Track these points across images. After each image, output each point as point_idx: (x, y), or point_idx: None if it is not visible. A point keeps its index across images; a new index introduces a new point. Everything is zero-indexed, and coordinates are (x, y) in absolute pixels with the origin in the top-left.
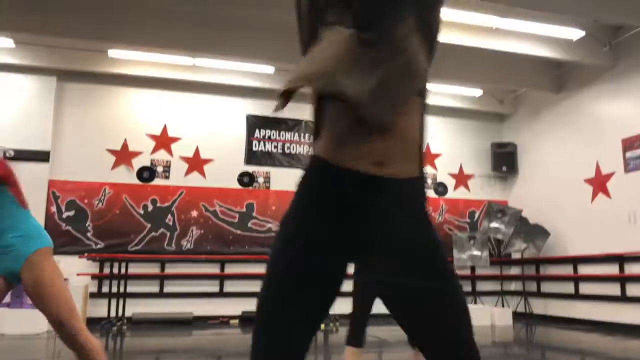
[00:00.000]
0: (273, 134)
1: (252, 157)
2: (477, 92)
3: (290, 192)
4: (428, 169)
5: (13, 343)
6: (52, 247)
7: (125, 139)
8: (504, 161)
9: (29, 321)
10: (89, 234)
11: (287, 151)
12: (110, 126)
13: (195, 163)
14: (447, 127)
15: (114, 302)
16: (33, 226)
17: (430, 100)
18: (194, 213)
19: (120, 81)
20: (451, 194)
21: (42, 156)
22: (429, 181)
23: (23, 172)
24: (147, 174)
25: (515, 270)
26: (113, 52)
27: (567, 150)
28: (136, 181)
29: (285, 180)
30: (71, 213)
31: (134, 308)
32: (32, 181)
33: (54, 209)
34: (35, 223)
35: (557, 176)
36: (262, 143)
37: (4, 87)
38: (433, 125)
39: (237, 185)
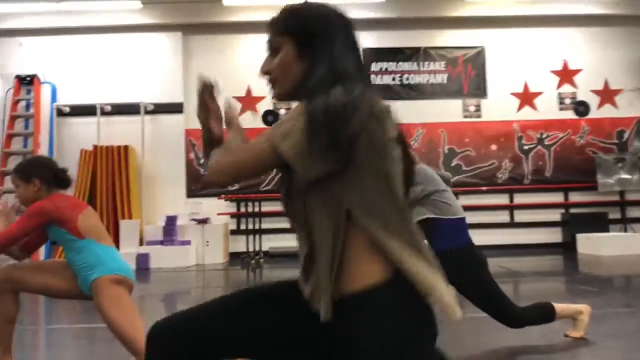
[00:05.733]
0: (390, 66)
1: None
2: None
3: (411, 125)
4: (567, 88)
5: (168, 275)
6: (118, 273)
7: (249, 85)
8: None
9: (180, 256)
10: None
11: (405, 82)
12: (233, 74)
13: None
14: (587, 38)
15: (251, 238)
16: (93, 254)
17: (565, 9)
18: None
19: (236, 29)
20: (594, 113)
21: (176, 108)
22: (568, 101)
23: (162, 124)
24: (271, 117)
25: None
26: (227, 0)
27: None
28: (262, 125)
29: (403, 113)
30: None
31: (270, 243)
32: (170, 131)
33: (192, 156)
34: (97, 251)
35: None
36: (379, 76)
37: (137, 46)
38: (570, 37)
39: None
